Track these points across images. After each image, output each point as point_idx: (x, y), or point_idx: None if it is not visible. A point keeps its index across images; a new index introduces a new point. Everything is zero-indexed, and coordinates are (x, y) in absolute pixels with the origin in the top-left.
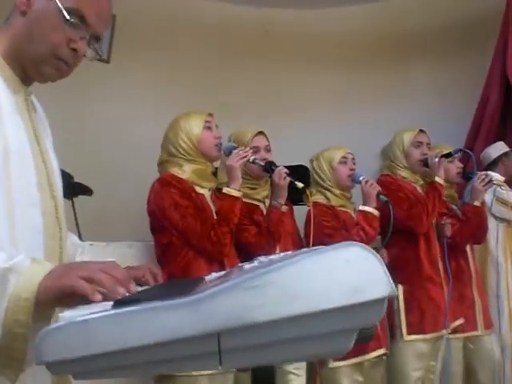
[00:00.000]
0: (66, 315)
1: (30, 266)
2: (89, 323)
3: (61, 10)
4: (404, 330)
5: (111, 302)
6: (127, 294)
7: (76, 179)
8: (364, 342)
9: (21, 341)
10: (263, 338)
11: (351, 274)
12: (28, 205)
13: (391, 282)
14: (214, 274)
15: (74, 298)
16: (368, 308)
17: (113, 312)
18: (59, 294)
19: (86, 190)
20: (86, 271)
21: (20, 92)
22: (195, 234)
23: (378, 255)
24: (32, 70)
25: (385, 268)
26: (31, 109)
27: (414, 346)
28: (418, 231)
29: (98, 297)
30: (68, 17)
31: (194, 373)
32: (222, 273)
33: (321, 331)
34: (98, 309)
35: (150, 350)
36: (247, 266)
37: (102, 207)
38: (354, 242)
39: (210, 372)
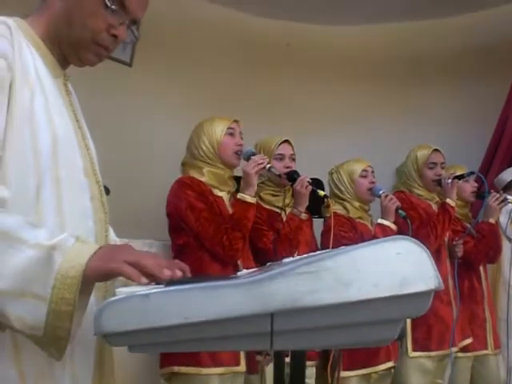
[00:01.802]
0: (123, 290)
1: (75, 245)
2: (150, 298)
3: None
4: (409, 346)
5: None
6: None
7: None
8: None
9: (67, 319)
10: (314, 323)
11: (401, 265)
12: (77, 190)
13: (438, 276)
14: (245, 271)
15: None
16: (415, 299)
17: (173, 288)
18: (105, 275)
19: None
20: (133, 256)
21: (60, 76)
22: (208, 237)
23: (428, 250)
24: (71, 54)
25: (433, 262)
26: (69, 93)
27: (418, 362)
28: None
29: (144, 280)
30: (109, 3)
31: (205, 372)
32: (254, 269)
33: (369, 319)
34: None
35: (207, 326)
36: (286, 260)
37: (119, 207)
38: (405, 236)
39: (220, 371)
